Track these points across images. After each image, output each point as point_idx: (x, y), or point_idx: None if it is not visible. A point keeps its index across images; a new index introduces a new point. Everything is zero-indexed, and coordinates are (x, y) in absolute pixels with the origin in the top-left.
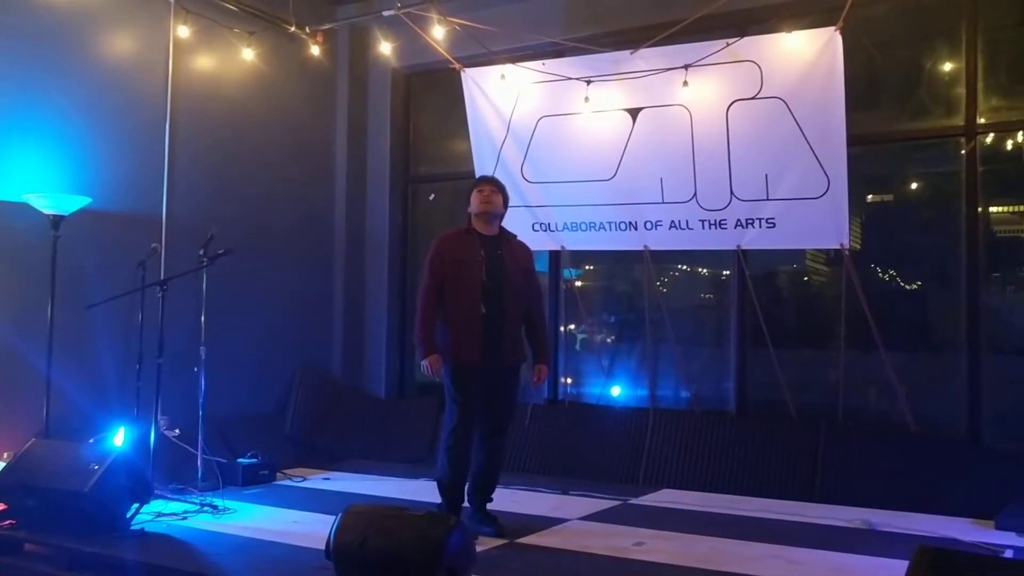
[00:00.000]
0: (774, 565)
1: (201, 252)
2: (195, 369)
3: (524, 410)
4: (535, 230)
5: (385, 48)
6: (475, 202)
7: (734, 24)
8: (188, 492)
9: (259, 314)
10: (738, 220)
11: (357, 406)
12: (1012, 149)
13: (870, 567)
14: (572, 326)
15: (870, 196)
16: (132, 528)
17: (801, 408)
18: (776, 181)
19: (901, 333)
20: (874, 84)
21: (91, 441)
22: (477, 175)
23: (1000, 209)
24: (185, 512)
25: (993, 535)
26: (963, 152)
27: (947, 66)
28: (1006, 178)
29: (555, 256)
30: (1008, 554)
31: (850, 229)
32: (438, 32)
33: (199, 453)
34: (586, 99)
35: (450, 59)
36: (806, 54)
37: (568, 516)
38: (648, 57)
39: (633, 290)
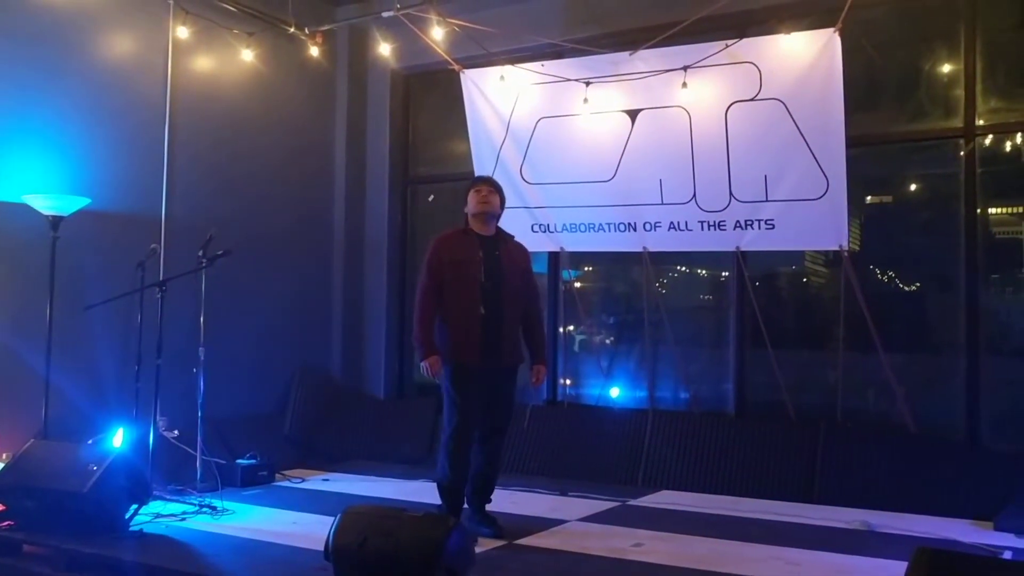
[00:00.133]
0: (773, 566)
1: (200, 253)
2: (194, 370)
3: (523, 411)
4: (534, 231)
5: (384, 49)
6: (472, 202)
7: (733, 25)
8: (187, 493)
9: (258, 315)
10: (737, 221)
11: (356, 407)
12: (1011, 151)
13: (869, 568)
14: (571, 327)
15: (869, 197)
16: (131, 529)
17: (800, 409)
18: (775, 182)
19: (900, 334)
20: (873, 86)
21: (90, 442)
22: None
23: (999, 210)
24: (184, 513)
25: (992, 536)
26: (962, 154)
27: (946, 68)
28: (1005, 180)
29: (554, 257)
30: (1007, 555)
31: (849, 230)
32: (437, 33)
33: (198, 454)
34: (585, 100)
35: (449, 60)
36: (805, 55)
37: (567, 517)
38: (647, 58)
39: (632, 291)
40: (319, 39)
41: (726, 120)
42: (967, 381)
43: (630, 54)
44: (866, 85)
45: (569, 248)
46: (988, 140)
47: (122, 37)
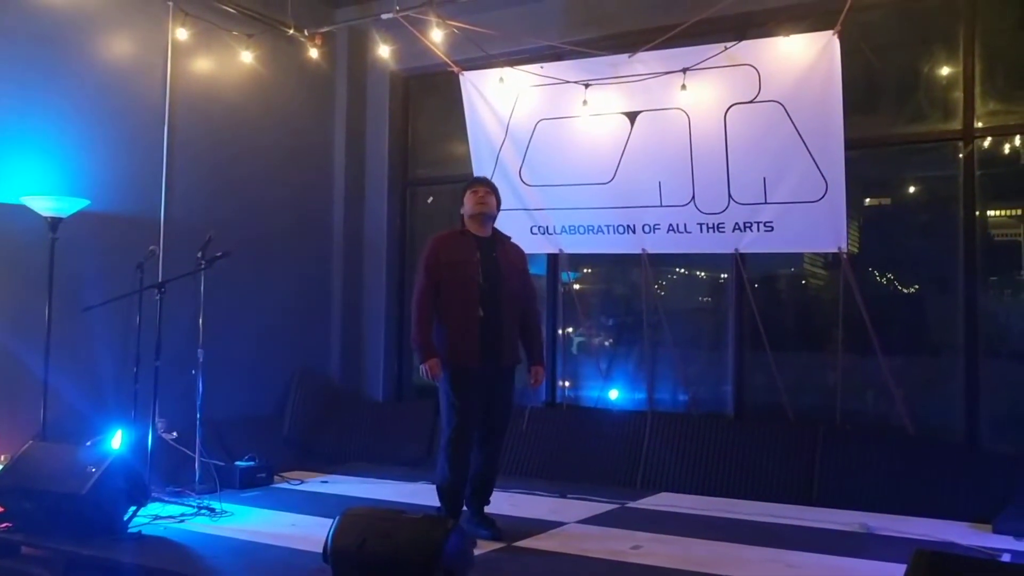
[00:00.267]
0: (772, 568)
1: (199, 254)
2: (193, 372)
3: (522, 413)
4: (533, 233)
5: (384, 51)
6: (469, 203)
7: (732, 28)
8: (185, 495)
9: (257, 317)
10: (736, 223)
11: (355, 409)
12: (1010, 153)
13: (868, 570)
14: (570, 329)
15: (868, 200)
16: (129, 531)
17: (799, 411)
18: (774, 185)
19: (899, 336)
20: (872, 88)
21: (88, 444)
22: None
23: (997, 213)
24: (182, 515)
25: (991, 539)
26: (961, 156)
27: (945, 70)
28: (1003, 182)
29: (553, 259)
30: (1006, 558)
31: (848, 233)
32: (437, 35)
33: (196, 456)
34: (584, 102)
35: (448, 62)
36: (804, 58)
37: (566, 519)
38: (646, 60)
39: (631, 293)
40: (318, 41)
41: (725, 122)
42: (966, 383)
43: (629, 56)
44: (865, 87)
45: (568, 250)
46: (987, 142)
47: (121, 39)
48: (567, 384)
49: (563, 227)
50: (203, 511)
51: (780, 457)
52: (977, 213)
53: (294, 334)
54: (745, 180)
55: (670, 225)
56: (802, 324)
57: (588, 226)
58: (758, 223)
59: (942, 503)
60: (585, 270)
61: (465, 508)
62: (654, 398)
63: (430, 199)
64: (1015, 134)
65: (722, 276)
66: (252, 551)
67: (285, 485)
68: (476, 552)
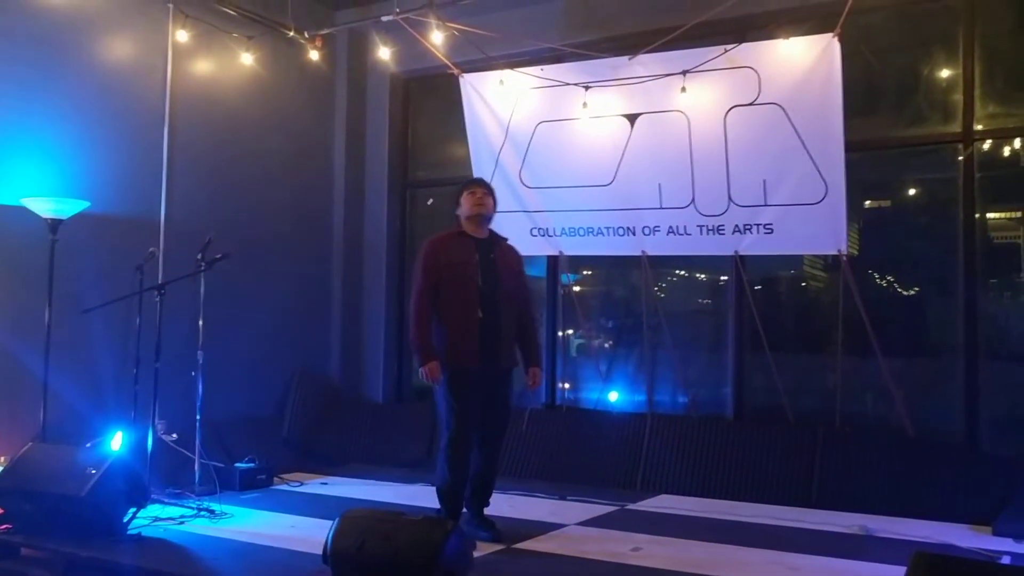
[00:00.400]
0: (772, 570)
1: (199, 256)
2: (192, 373)
3: (521, 415)
4: (533, 235)
5: (384, 53)
6: (467, 204)
7: (732, 30)
8: (185, 496)
9: (257, 318)
10: (736, 226)
11: (355, 410)
12: (1009, 155)
13: (867, 573)
14: (570, 331)
15: (868, 202)
16: (129, 532)
17: (799, 413)
18: (774, 187)
19: (898, 338)
20: (872, 90)
21: (88, 445)
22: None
23: (997, 215)
24: (182, 516)
25: (990, 541)
26: (960, 158)
27: (944, 72)
28: (1003, 184)
29: (553, 261)
30: (1005, 560)
31: (848, 235)
32: (437, 37)
33: (196, 457)
34: (584, 104)
35: (449, 64)
36: (804, 60)
37: (565, 521)
38: (646, 63)
39: (631, 295)
40: (319, 43)
41: (725, 124)
42: (965, 385)
43: (629, 58)
44: (865, 90)
45: (568, 252)
46: (986, 145)
47: (122, 40)
48: (567, 386)
49: (563, 229)
50: (203, 513)
51: (780, 459)
52: (977, 215)
53: (294, 335)
54: (745, 182)
55: (670, 227)
56: (802, 326)
57: (588, 228)
58: (758, 225)
59: (942, 505)
60: (585, 272)
61: (465, 510)
62: (654, 400)
63: (430, 201)
64: (1015, 136)
65: (722, 278)
66: (252, 553)
67: (285, 487)
68: (476, 554)
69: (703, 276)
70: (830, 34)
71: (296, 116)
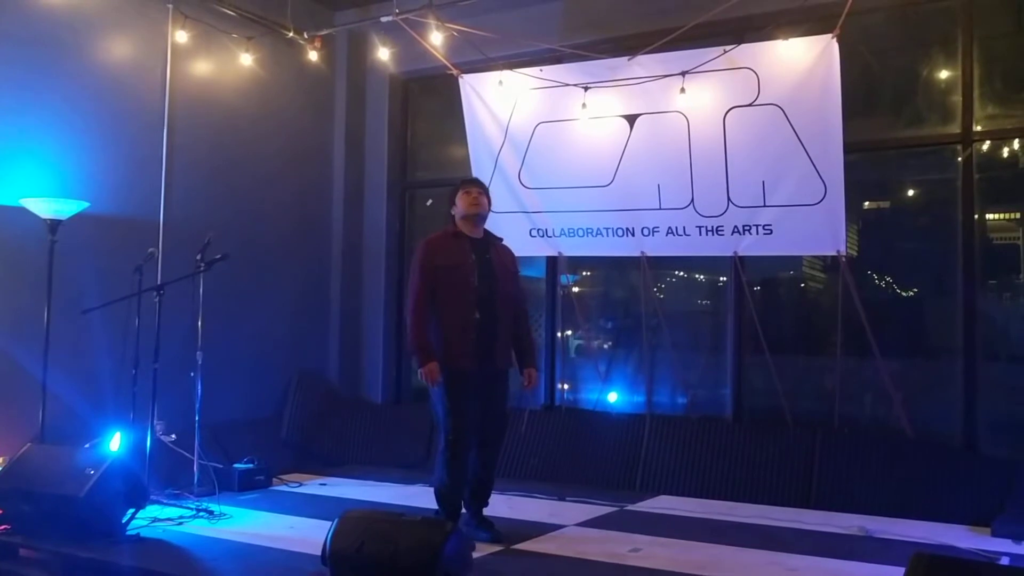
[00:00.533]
0: (771, 571)
1: (198, 257)
2: (191, 374)
3: (521, 416)
4: (532, 236)
5: (383, 54)
6: (463, 204)
7: (731, 31)
8: (184, 497)
9: (256, 319)
10: (735, 227)
11: (353, 411)
12: (1008, 156)
13: (867, 573)
14: (569, 332)
15: (867, 203)
16: (128, 533)
17: (797, 414)
18: (773, 188)
19: (897, 340)
20: (871, 91)
21: (87, 446)
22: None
23: (996, 216)
24: (181, 517)
25: (990, 542)
26: (959, 159)
27: (943, 74)
28: (1002, 185)
29: (552, 262)
30: (1004, 561)
31: (847, 236)
32: (436, 38)
33: (195, 458)
34: (584, 105)
35: (448, 65)
36: (803, 61)
37: (565, 522)
38: (645, 63)
39: (630, 296)
40: (318, 44)
41: (724, 125)
42: (964, 386)
43: (628, 59)
44: (864, 91)
45: (567, 253)
46: (985, 146)
47: (121, 41)
48: (566, 387)
49: (562, 230)
50: (201, 513)
51: (779, 460)
52: (976, 216)
53: (293, 336)
54: (744, 183)
55: (669, 228)
56: (801, 327)
57: (587, 229)
58: (757, 226)
59: (941, 506)
60: (584, 273)
61: (464, 511)
62: (653, 401)
63: (429, 202)
64: (1013, 138)
65: (721, 279)
66: (251, 553)
67: (284, 487)
68: (475, 555)
69: (702, 277)
70: (829, 35)
71: (295, 117)
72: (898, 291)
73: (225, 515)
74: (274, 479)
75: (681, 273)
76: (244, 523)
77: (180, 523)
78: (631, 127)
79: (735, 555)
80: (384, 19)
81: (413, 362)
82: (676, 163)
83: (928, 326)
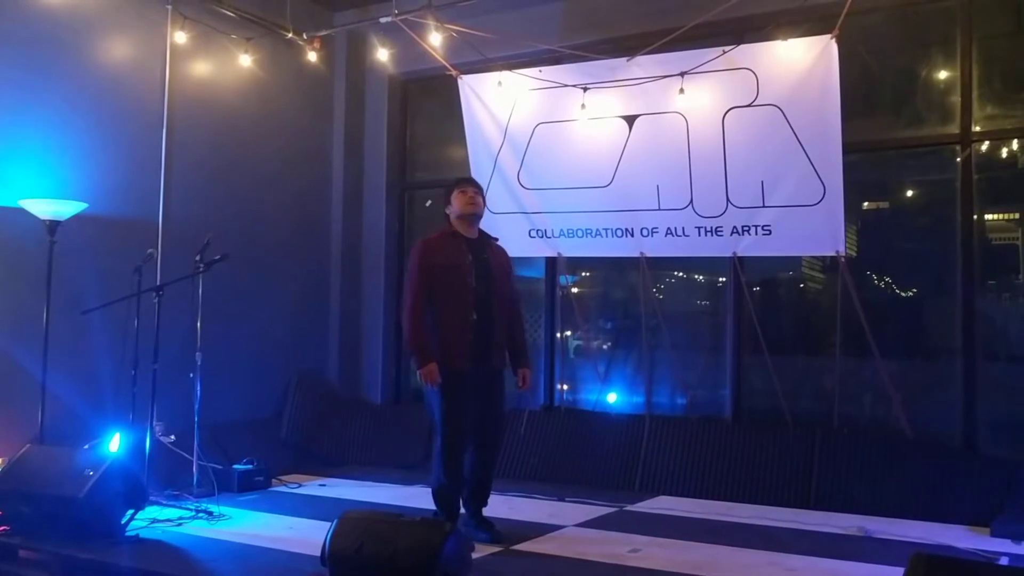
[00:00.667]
0: (770, 572)
1: (197, 258)
2: (191, 375)
3: (520, 416)
4: (532, 236)
5: (382, 54)
6: (458, 203)
7: (730, 32)
8: (183, 498)
9: (255, 320)
10: (734, 227)
11: (353, 412)
12: (1007, 157)
13: (866, 574)
14: (568, 332)
15: (866, 203)
16: (127, 534)
17: (797, 415)
18: (772, 188)
19: (897, 340)
20: (870, 92)
21: (86, 447)
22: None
23: (995, 217)
24: (180, 518)
25: (989, 542)
26: (958, 160)
27: (942, 74)
28: (1001, 186)
29: (551, 262)
30: (1004, 561)
31: (846, 236)
32: (435, 39)
33: (194, 459)
34: (583, 106)
35: (447, 66)
36: (802, 62)
37: (564, 523)
38: (644, 64)
39: (629, 296)
40: (317, 44)
41: (723, 126)
42: (964, 387)
43: (628, 60)
44: (863, 91)
45: (566, 253)
46: (984, 146)
47: (120, 42)
48: (565, 387)
49: (561, 230)
50: (201, 514)
51: (778, 460)
52: (975, 217)
53: (292, 337)
54: (743, 183)
55: (668, 228)
56: (800, 328)
57: (586, 229)
58: (756, 226)
59: (940, 506)
60: (583, 273)
61: (463, 511)
62: (652, 401)
63: (428, 202)
64: (1012, 138)
65: (720, 279)
66: (250, 554)
67: (283, 488)
68: (474, 555)
69: (701, 277)
70: (828, 35)
71: (294, 117)
72: (897, 291)
73: (224, 516)
74: (273, 480)
75: (680, 274)
76: (243, 524)
77: (179, 524)
78: (630, 128)
79: (734, 555)
80: (383, 20)
81: (412, 363)
82: (675, 164)
83: (927, 326)
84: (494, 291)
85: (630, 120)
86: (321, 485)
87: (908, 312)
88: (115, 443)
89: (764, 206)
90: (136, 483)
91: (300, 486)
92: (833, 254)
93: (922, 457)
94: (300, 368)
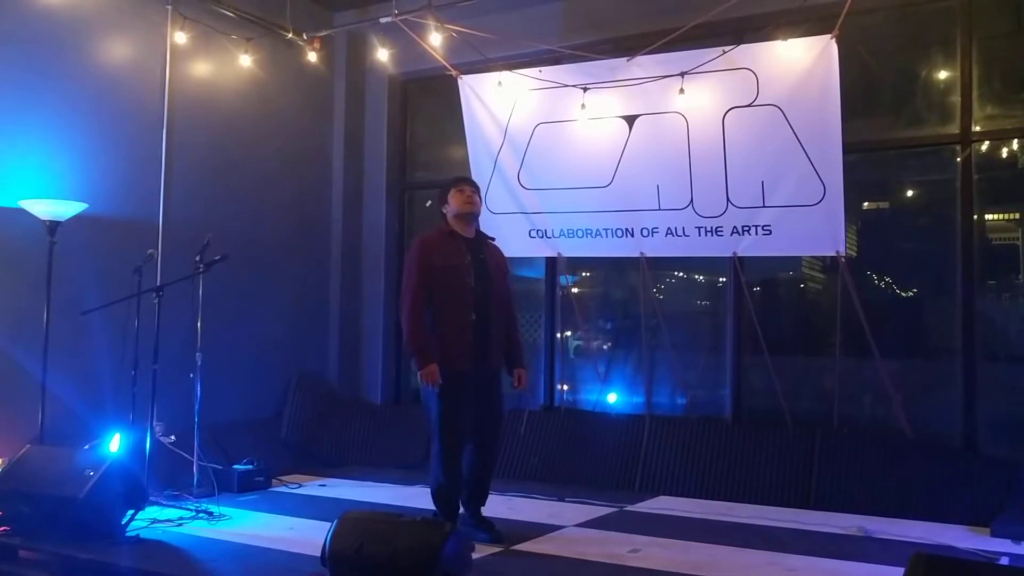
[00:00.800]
0: (770, 572)
1: (197, 258)
2: (191, 375)
3: (520, 417)
4: (532, 236)
5: (382, 55)
6: (456, 202)
7: (730, 32)
8: (183, 498)
9: (255, 320)
10: (734, 227)
11: (353, 412)
12: (1007, 157)
13: (866, 574)
14: (568, 332)
15: (866, 203)
16: (127, 535)
17: (797, 415)
18: (772, 188)
19: (896, 340)
20: (870, 92)
21: (86, 447)
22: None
23: (995, 217)
24: (180, 518)
25: (989, 542)
26: (958, 160)
27: (942, 74)
28: (1001, 186)
29: (551, 262)
30: (1004, 561)
31: (846, 236)
32: (435, 39)
33: (195, 459)
34: (583, 106)
35: (447, 66)
36: (802, 62)
37: (564, 523)
38: (644, 64)
39: (629, 297)
40: (317, 45)
41: (723, 126)
42: (964, 387)
43: (628, 60)
44: (863, 91)
45: (566, 253)
46: (984, 146)
47: (120, 42)
48: (565, 388)
49: (561, 230)
50: (201, 515)
51: (778, 460)
52: (975, 217)
53: (292, 337)
54: (743, 184)
55: (668, 228)
56: (800, 328)
57: (586, 229)
58: (756, 226)
59: (940, 506)
60: (583, 273)
61: (463, 511)
62: (652, 402)
63: (428, 203)
64: (1012, 138)
65: (720, 280)
66: (250, 555)
67: (283, 488)
68: (474, 555)
69: (701, 277)
70: (828, 35)
71: (294, 118)
72: (897, 291)
73: (224, 516)
74: (273, 480)
75: (680, 274)
76: (243, 524)
77: (179, 524)
78: (630, 128)
79: (734, 555)
80: (383, 20)
81: (412, 364)
82: (675, 164)
83: (927, 326)
84: (492, 291)
85: (630, 120)
86: (321, 485)
87: (908, 312)
88: (115, 443)
89: (764, 206)
90: (136, 483)
91: (300, 486)
92: (833, 254)
93: (922, 457)
94: (300, 368)
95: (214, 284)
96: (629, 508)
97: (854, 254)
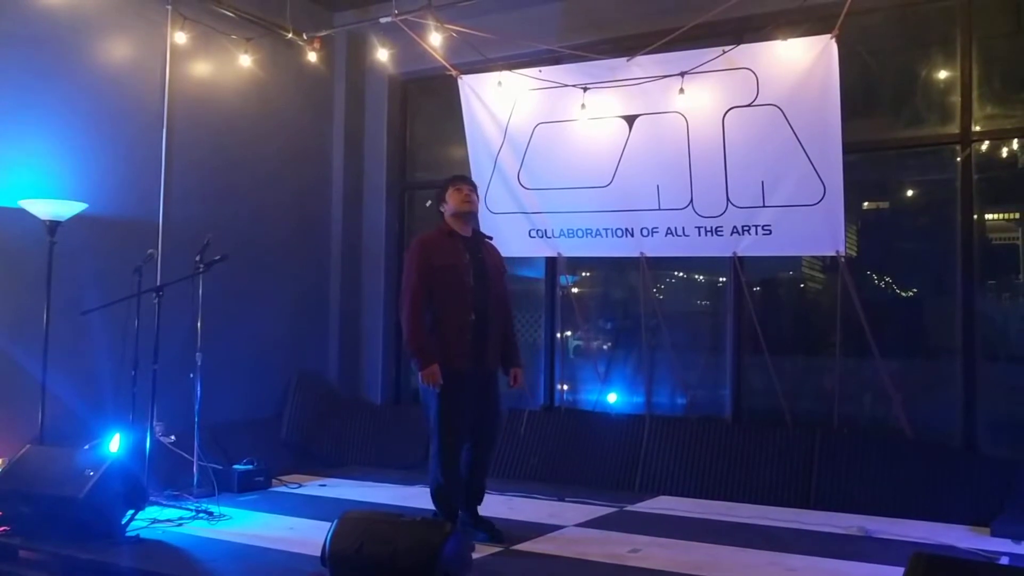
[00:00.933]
0: (770, 572)
1: (197, 258)
2: (191, 375)
3: (520, 417)
4: (532, 236)
5: (382, 55)
6: (455, 201)
7: (730, 32)
8: (183, 498)
9: (255, 320)
10: (734, 227)
11: (353, 412)
12: (1007, 157)
13: (866, 573)
14: (568, 332)
15: (866, 203)
16: (127, 535)
17: (797, 415)
18: (772, 188)
19: (896, 340)
20: (870, 92)
21: (86, 447)
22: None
23: (995, 217)
24: (180, 518)
25: (989, 542)
26: (958, 160)
27: (942, 74)
28: (1001, 186)
29: (551, 262)
30: (1004, 561)
31: (846, 236)
32: (435, 39)
33: (195, 459)
34: (583, 106)
35: (447, 66)
36: (802, 62)
37: (564, 523)
38: (644, 64)
39: (629, 296)
40: (317, 45)
41: (723, 126)
42: (963, 386)
43: (628, 60)
44: (863, 91)
45: (566, 253)
46: (984, 146)
47: (120, 42)
48: (565, 388)
49: (561, 230)
50: (201, 515)
51: (778, 460)
52: (975, 217)
53: (292, 337)
54: (743, 183)
55: (668, 228)
56: (800, 327)
57: (586, 229)
58: (756, 226)
59: (940, 506)
60: (583, 273)
61: (462, 512)
62: (652, 401)
63: (428, 203)
64: (1012, 138)
65: (720, 279)
66: (250, 555)
67: (283, 488)
68: (474, 555)
69: (701, 277)
70: (828, 35)
71: (294, 118)
72: (897, 291)
73: (224, 516)
74: (273, 480)
75: (680, 274)
76: (243, 524)
77: (179, 524)
78: (630, 128)
79: (734, 555)
80: (383, 20)
81: (413, 364)
82: (675, 164)
83: (927, 326)
84: (490, 290)
85: (630, 120)
86: (321, 485)
87: (908, 312)
88: (115, 443)
89: (764, 206)
90: (136, 483)
91: (300, 486)
92: (833, 254)
93: (922, 457)
94: (300, 368)
95: (214, 284)
96: (629, 508)
97: (854, 254)
